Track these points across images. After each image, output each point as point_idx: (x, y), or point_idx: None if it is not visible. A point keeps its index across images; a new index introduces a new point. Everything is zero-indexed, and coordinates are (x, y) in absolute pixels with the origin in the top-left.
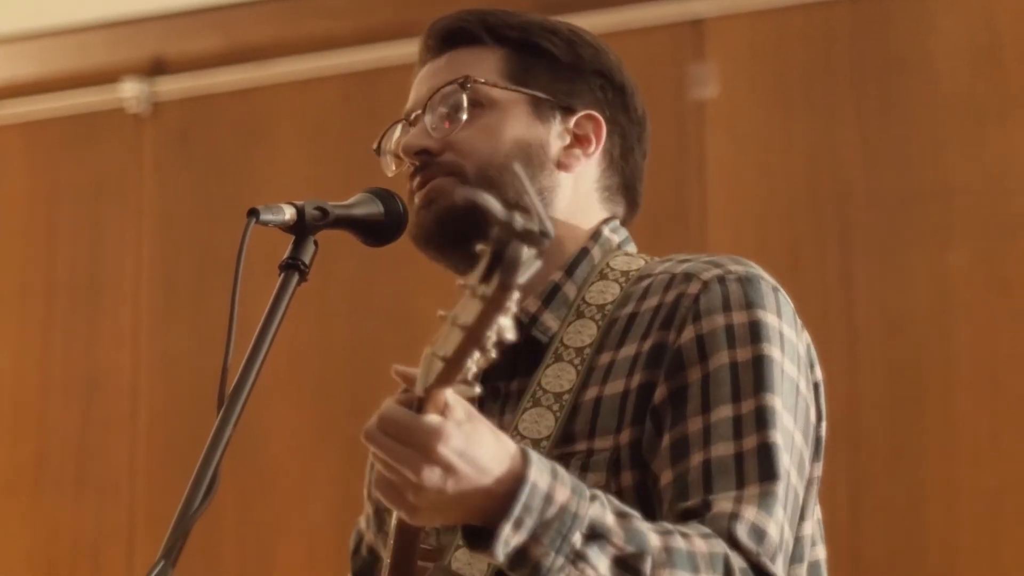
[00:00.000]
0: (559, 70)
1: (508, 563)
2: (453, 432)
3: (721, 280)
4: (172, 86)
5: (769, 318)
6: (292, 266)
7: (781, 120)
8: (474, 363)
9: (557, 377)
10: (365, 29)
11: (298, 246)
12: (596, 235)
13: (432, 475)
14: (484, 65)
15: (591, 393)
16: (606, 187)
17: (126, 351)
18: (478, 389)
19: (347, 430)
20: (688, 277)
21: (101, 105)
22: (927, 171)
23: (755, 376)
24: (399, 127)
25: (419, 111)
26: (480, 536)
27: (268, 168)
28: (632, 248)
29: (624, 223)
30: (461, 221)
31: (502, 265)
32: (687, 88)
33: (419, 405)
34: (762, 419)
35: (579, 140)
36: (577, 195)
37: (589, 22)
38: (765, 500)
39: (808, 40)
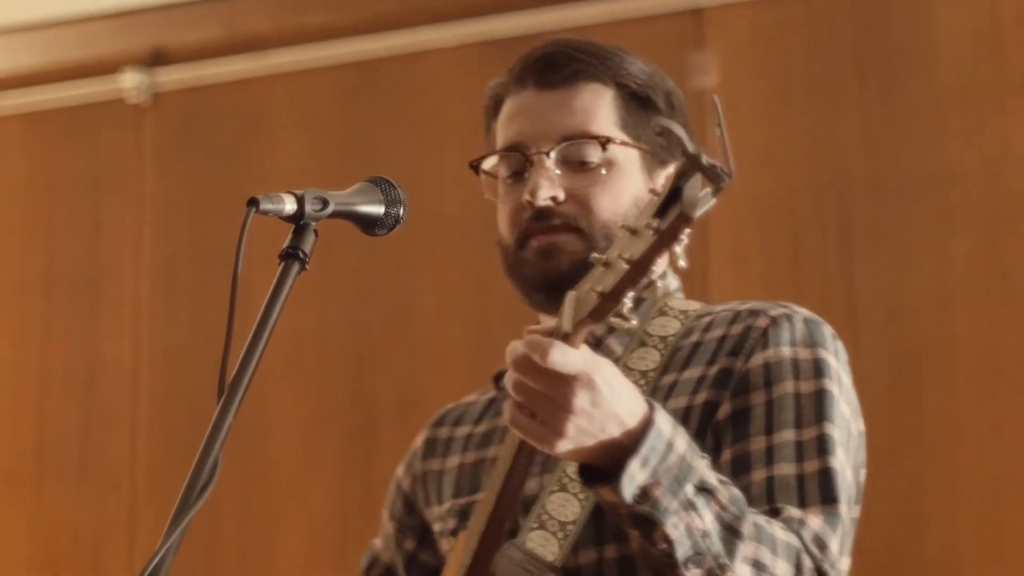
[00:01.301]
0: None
1: (631, 499)
2: (605, 364)
3: (788, 318)
4: (172, 76)
5: (831, 359)
6: (292, 255)
7: (782, 109)
8: (629, 299)
9: None
10: (364, 19)
11: (298, 235)
12: (662, 276)
13: (584, 401)
14: (604, 112)
15: None
16: None
17: (126, 341)
18: (635, 321)
19: (347, 419)
20: (755, 313)
21: (101, 96)
22: (928, 159)
23: (817, 407)
24: (496, 156)
25: (543, 151)
26: (598, 475)
27: (268, 158)
28: (682, 293)
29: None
30: (572, 278)
31: (683, 197)
32: (688, 77)
33: (565, 338)
34: (822, 446)
35: None
36: None
37: (591, 11)
38: (828, 517)
39: (809, 28)
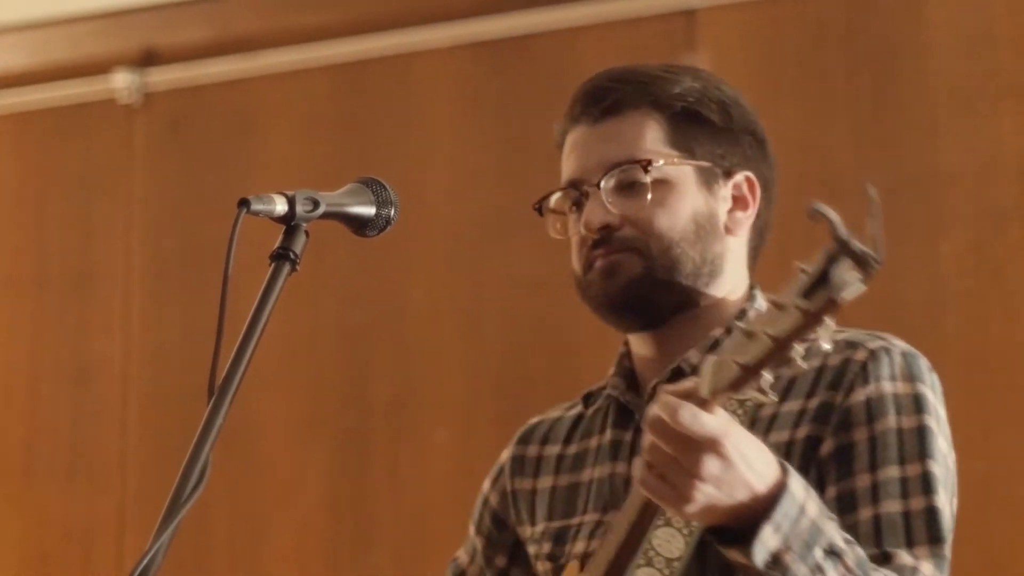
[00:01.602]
0: (716, 134)
1: (763, 565)
2: (737, 431)
3: (887, 351)
4: (163, 77)
5: (929, 394)
6: (283, 256)
7: (773, 110)
8: (771, 373)
9: None
10: (355, 20)
11: (289, 236)
12: (752, 297)
13: (714, 468)
14: (650, 135)
15: None
16: (751, 238)
17: (116, 341)
18: (774, 396)
19: (338, 420)
20: (853, 345)
21: (92, 96)
22: (918, 161)
23: (919, 443)
24: (559, 192)
25: (594, 183)
26: (730, 537)
27: (259, 158)
28: None
29: (750, 269)
30: (635, 296)
31: (831, 282)
32: None
33: (702, 403)
34: (927, 483)
35: (738, 201)
36: (738, 255)
37: (582, 13)
38: (937, 561)
39: (800, 30)
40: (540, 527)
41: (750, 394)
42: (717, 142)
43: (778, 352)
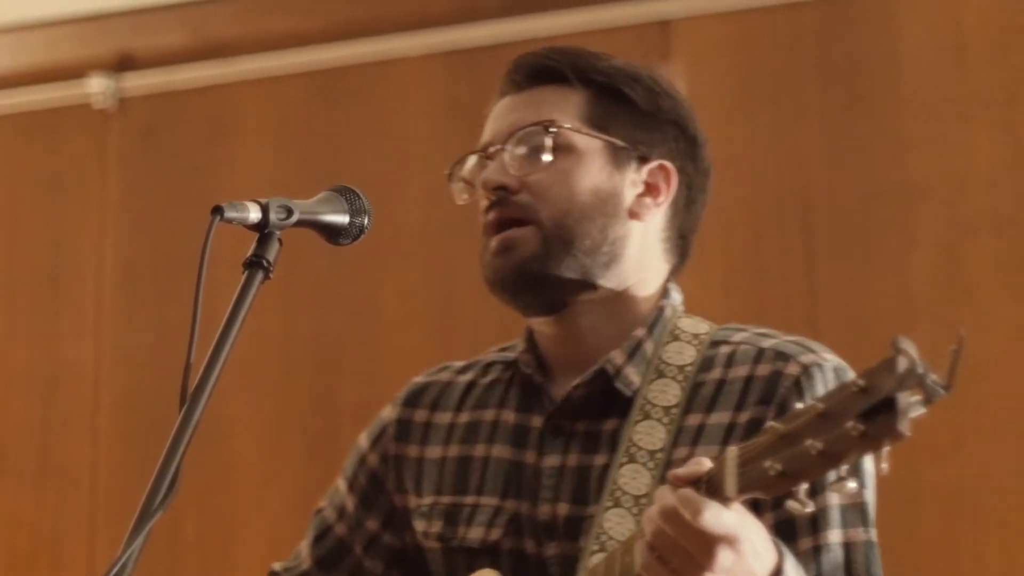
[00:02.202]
0: (638, 118)
1: None
2: (751, 523)
3: (820, 367)
4: (138, 82)
5: None
6: (256, 264)
7: (746, 120)
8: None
9: (648, 435)
10: (331, 26)
11: (262, 244)
12: (666, 293)
13: (727, 561)
14: (567, 106)
15: (682, 453)
16: (668, 237)
17: (88, 345)
18: (811, 507)
19: (309, 425)
20: (784, 356)
21: (67, 100)
22: (890, 172)
23: (854, 471)
24: (473, 157)
25: (499, 146)
26: None
27: (233, 164)
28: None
29: (675, 272)
30: (534, 270)
31: (897, 410)
32: None
33: (724, 500)
34: (864, 514)
35: (650, 189)
36: (645, 245)
37: (557, 22)
38: None
39: (774, 42)
40: (428, 500)
41: (793, 505)
42: (637, 125)
43: (826, 468)
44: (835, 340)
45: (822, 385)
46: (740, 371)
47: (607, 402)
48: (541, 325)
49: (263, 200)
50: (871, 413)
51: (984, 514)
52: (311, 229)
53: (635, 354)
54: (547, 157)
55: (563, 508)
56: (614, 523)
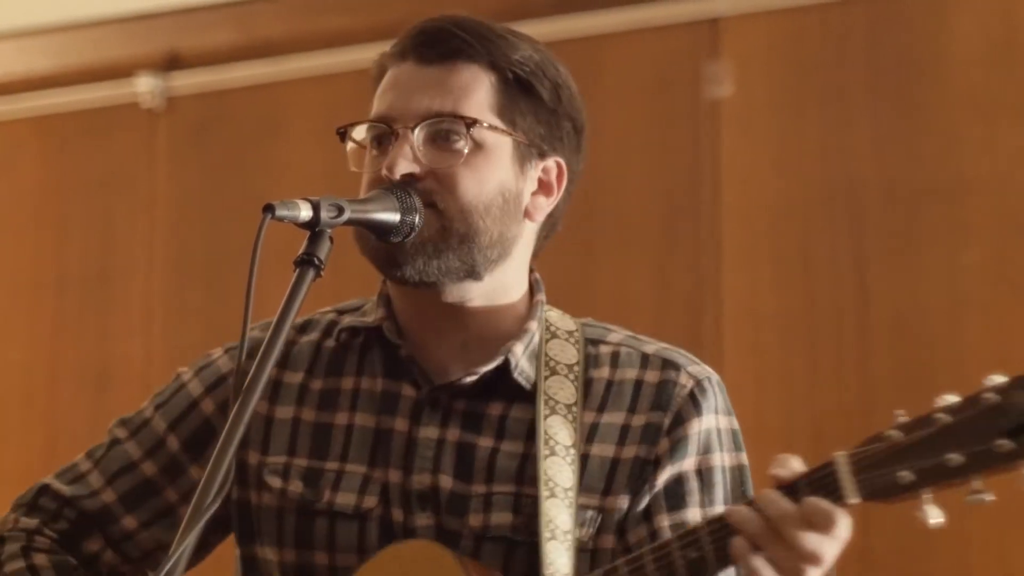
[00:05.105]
0: (541, 112)
1: None
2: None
3: (709, 380)
4: (187, 81)
5: (736, 424)
6: (307, 262)
7: (796, 118)
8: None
9: (560, 430)
10: (380, 25)
11: (313, 242)
12: (537, 285)
13: (833, 552)
14: (480, 95)
15: (589, 449)
16: (543, 227)
17: (137, 343)
18: (942, 519)
19: None
20: (672, 365)
21: (115, 100)
22: (940, 169)
23: (741, 482)
24: (366, 125)
25: (405, 126)
26: None
27: (282, 163)
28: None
29: (535, 256)
30: (425, 254)
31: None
32: (703, 86)
33: (847, 506)
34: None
35: (543, 186)
36: (529, 242)
37: (606, 20)
38: None
39: (823, 39)
40: (280, 459)
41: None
42: (540, 120)
43: (963, 482)
44: (884, 336)
45: (713, 400)
46: (628, 373)
47: (491, 387)
48: (410, 296)
49: (314, 198)
50: (1016, 432)
51: None
52: (362, 227)
53: (528, 347)
54: (464, 154)
55: (445, 481)
56: (554, 515)
